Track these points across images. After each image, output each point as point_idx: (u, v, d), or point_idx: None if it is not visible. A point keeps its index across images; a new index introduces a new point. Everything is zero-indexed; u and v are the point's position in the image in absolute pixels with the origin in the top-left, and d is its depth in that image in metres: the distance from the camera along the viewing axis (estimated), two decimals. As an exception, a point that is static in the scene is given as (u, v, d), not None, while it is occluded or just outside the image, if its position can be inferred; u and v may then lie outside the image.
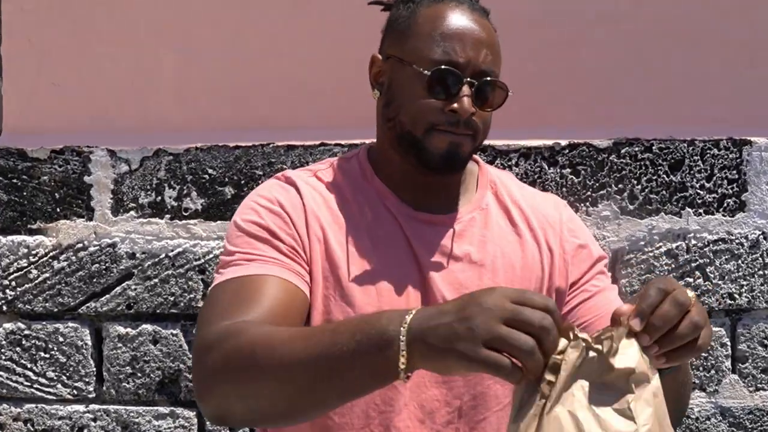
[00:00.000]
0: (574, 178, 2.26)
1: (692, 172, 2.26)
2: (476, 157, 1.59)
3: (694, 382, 2.30)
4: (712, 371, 2.31)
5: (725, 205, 2.27)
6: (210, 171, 2.28)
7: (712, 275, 2.28)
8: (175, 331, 2.29)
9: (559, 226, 1.55)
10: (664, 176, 2.26)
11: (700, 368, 2.31)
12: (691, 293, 1.07)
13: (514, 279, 1.49)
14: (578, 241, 1.56)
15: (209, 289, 1.37)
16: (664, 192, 2.26)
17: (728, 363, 2.31)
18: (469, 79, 1.42)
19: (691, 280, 2.28)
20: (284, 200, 1.45)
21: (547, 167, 2.26)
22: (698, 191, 2.26)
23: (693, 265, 2.27)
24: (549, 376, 1.02)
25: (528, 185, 1.65)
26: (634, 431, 1.00)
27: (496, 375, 0.99)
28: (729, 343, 2.30)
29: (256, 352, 1.18)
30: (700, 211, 2.26)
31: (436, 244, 1.47)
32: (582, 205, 2.26)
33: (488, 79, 1.43)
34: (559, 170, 2.26)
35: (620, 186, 2.26)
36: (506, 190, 1.56)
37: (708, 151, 2.26)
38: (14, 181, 2.32)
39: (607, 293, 1.55)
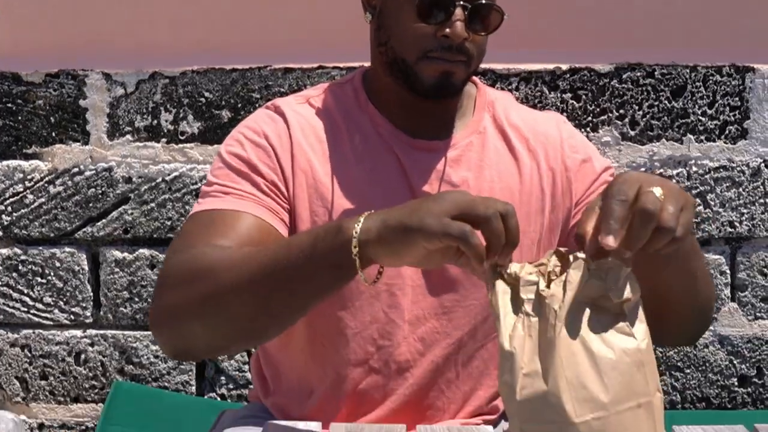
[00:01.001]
0: (575, 102, 2.24)
1: (694, 98, 2.24)
2: (475, 78, 1.55)
3: None
4: (711, 299, 2.30)
5: (727, 132, 2.26)
6: (206, 94, 2.26)
7: (712, 203, 2.27)
8: None
9: (559, 144, 1.50)
10: (666, 102, 2.24)
11: None
12: (658, 191, 1.01)
13: (512, 203, 1.44)
14: (580, 156, 1.52)
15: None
16: (665, 118, 2.25)
17: (727, 291, 2.31)
18: (462, 2, 1.37)
19: None
20: (270, 132, 1.41)
21: (547, 92, 2.24)
22: (700, 118, 2.25)
23: (693, 192, 2.26)
24: (526, 293, 1.03)
25: (526, 107, 1.61)
26: (636, 347, 1.01)
27: (457, 243, 1.05)
28: (728, 272, 2.30)
29: (215, 272, 1.22)
30: (702, 137, 2.25)
31: (432, 171, 1.43)
32: (582, 130, 2.25)
33: (482, 1, 1.38)
34: (559, 95, 2.24)
35: (621, 111, 2.25)
36: (504, 112, 1.52)
37: (710, 78, 2.25)
38: (9, 105, 2.31)
39: None
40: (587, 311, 1.01)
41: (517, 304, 1.04)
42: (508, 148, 1.49)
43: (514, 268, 1.05)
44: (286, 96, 1.52)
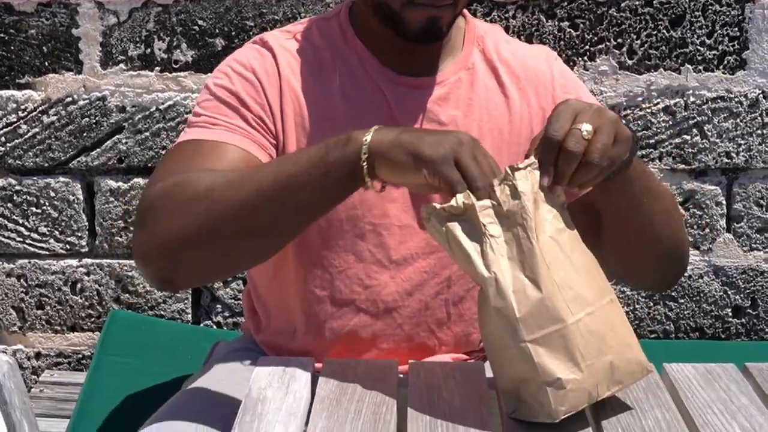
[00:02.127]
0: (572, 31, 2.22)
1: (693, 27, 2.22)
2: (464, 11, 1.50)
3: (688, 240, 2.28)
4: (707, 230, 2.31)
5: (725, 62, 2.24)
6: (200, 22, 2.23)
7: (709, 133, 2.25)
8: None
9: (550, 83, 1.47)
10: (664, 31, 2.22)
11: (695, 226, 2.30)
12: (587, 127, 1.08)
13: (501, 144, 1.43)
14: (571, 96, 1.44)
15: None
16: (663, 47, 2.22)
17: (723, 222, 2.30)
18: None
19: (688, 137, 2.26)
20: (258, 67, 1.38)
21: (545, 20, 2.21)
22: (698, 48, 2.23)
23: (691, 122, 2.25)
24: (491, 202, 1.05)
25: (517, 39, 1.58)
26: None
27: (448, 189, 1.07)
28: (724, 202, 2.30)
29: (214, 193, 1.20)
30: (700, 68, 2.23)
31: (420, 109, 1.40)
32: (580, 59, 2.22)
33: None
34: (557, 23, 2.21)
35: (619, 40, 2.22)
36: (494, 46, 1.48)
37: (710, 7, 2.22)
38: (1, 35, 2.29)
39: None
40: (549, 217, 1.05)
41: (474, 232, 1.04)
42: (498, 85, 1.45)
43: (460, 199, 1.05)
44: (274, 29, 1.48)
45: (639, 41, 2.22)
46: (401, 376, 1.26)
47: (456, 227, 1.04)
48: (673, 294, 2.34)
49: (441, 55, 1.43)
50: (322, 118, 1.37)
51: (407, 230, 1.39)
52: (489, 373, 1.17)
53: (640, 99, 2.23)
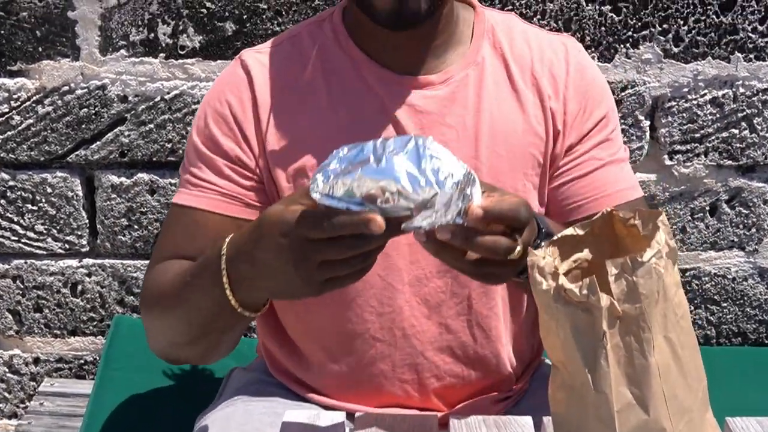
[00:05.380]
0: (614, 16, 2.06)
1: (744, 13, 2.07)
2: (474, 0, 1.38)
3: (732, 240, 2.18)
4: (753, 229, 2.18)
5: (778, 49, 2.09)
6: (208, 4, 2.07)
7: (759, 127, 2.12)
8: (173, 180, 2.15)
9: (563, 81, 1.35)
10: (714, 17, 2.07)
11: (740, 225, 2.18)
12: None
13: (515, 147, 1.32)
14: (585, 99, 1.35)
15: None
16: (712, 34, 2.08)
17: (770, 221, 2.18)
18: None
19: (736, 131, 2.12)
20: (233, 99, 1.33)
21: (584, 3, 2.05)
22: (750, 35, 2.08)
23: (739, 115, 2.11)
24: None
25: (537, 26, 1.44)
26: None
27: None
28: (772, 200, 2.17)
29: (159, 303, 1.29)
30: (751, 56, 2.08)
31: (424, 112, 1.31)
32: (622, 46, 2.08)
33: None
34: (597, 7, 2.05)
35: (665, 26, 2.07)
36: (507, 39, 1.36)
37: (763, -11, 2.06)
38: (-10, 15, 2.12)
39: (610, 169, 1.36)
40: (667, 312, 0.90)
41: (590, 330, 0.90)
42: (510, 82, 1.34)
43: (585, 289, 0.89)
44: (263, 43, 1.41)
45: (686, 27, 2.07)
46: None
47: (574, 316, 0.90)
48: (715, 297, 2.22)
49: (446, 50, 1.33)
50: (312, 135, 1.30)
51: (417, 247, 1.25)
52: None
53: (686, 90, 2.10)
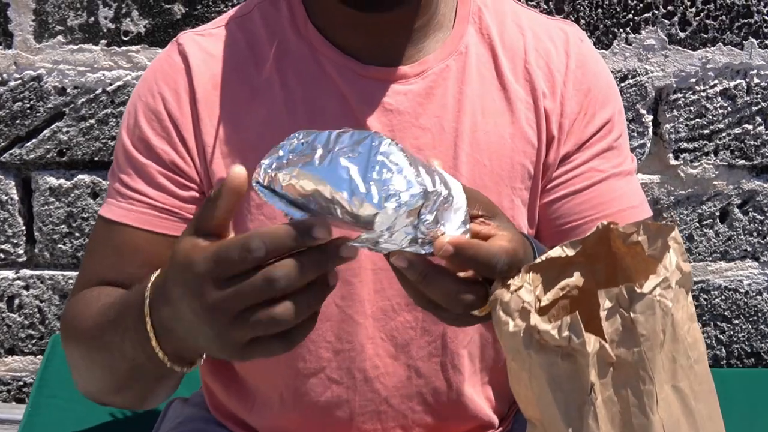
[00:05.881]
0: (612, -4, 1.96)
1: (759, -8, 1.98)
2: None
3: (745, 249, 2.07)
4: (768, 238, 2.09)
5: (797, 35, 2.00)
6: (154, -15, 1.96)
7: (775, 121, 2.03)
8: None
9: (562, 76, 1.18)
10: (725, -3, 1.97)
11: (754, 233, 2.07)
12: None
13: (501, 158, 1.16)
14: (586, 99, 1.19)
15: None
16: (723, 17, 1.96)
17: (787, 227, 2.10)
18: None
19: (750, 127, 2.00)
20: (168, 92, 1.18)
21: (579, -17, 1.95)
22: (765, 17, 1.97)
23: (754, 109, 2.01)
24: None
25: (531, 8, 1.28)
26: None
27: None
28: (789, 203, 2.08)
29: (80, 337, 1.12)
30: (767, 42, 1.98)
31: (395, 111, 1.15)
32: (621, 31, 1.95)
33: None
34: (594, -13, 1.95)
35: (670, 8, 1.95)
36: (496, 23, 1.19)
37: (780, -33, 1.97)
38: None
39: (613, 183, 1.21)
40: (676, 354, 0.79)
41: (572, 382, 0.78)
42: (497, 76, 1.17)
43: (564, 332, 0.78)
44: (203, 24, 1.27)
45: (693, 9, 1.96)
46: None
47: (552, 365, 0.79)
48: (726, 314, 2.11)
49: (424, 36, 1.17)
50: (261, 138, 1.15)
51: (384, 274, 1.16)
52: None
53: (694, 80, 1.99)
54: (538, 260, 0.85)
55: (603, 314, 0.77)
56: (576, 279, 0.87)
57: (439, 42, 1.17)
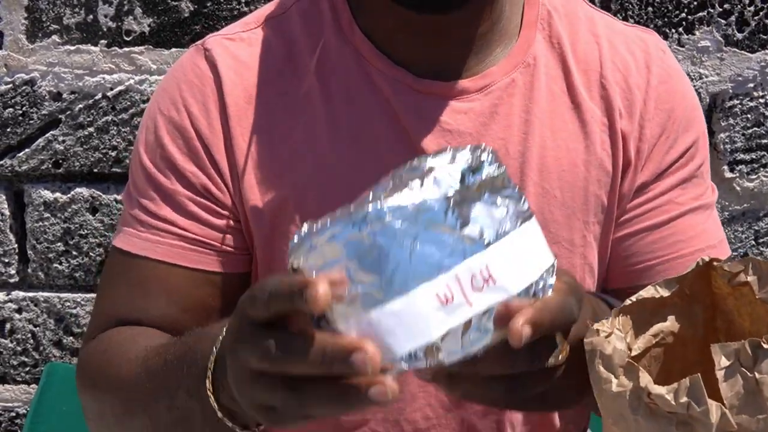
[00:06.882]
0: (664, -6, 1.87)
1: (823, -11, 1.87)
2: None
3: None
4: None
5: None
6: (159, -21, 1.89)
7: (839, 130, 1.92)
8: (118, 196, 1.94)
9: (642, 94, 1.07)
10: (787, -6, 1.87)
11: None
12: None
13: (573, 188, 1.06)
14: (669, 120, 1.09)
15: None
16: None
17: None
18: None
19: None
20: (193, 104, 1.09)
21: (627, -22, 1.86)
22: None
23: None
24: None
25: (606, 13, 1.17)
26: None
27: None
28: None
29: (108, 389, 1.05)
30: None
31: (454, 132, 1.06)
32: (673, 31, 1.86)
33: None
34: (643, -17, 1.86)
35: (726, 6, 1.87)
36: (568, 30, 1.09)
37: None
38: None
39: (694, 218, 1.12)
40: None
41: None
42: (569, 92, 1.07)
43: (682, 397, 0.70)
44: (234, 22, 1.14)
45: (752, 8, 1.86)
46: None
47: None
48: None
49: (488, 45, 1.07)
50: (297, 154, 1.07)
51: None
52: None
53: (752, 85, 1.90)
54: (628, 302, 0.78)
55: (720, 374, 0.70)
56: (671, 324, 0.82)
57: (503, 51, 1.06)
